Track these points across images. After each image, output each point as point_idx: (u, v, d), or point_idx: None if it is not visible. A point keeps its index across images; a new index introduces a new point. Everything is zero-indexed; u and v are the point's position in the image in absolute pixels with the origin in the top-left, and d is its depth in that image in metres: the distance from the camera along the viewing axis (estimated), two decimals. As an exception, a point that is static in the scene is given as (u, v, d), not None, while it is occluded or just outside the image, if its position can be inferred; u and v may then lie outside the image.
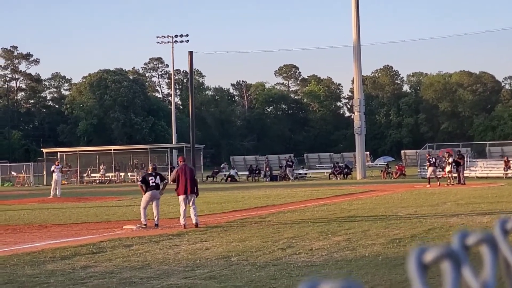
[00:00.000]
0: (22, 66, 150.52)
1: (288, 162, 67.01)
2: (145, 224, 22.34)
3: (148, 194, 22.90)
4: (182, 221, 22.22)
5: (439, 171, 49.75)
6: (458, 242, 1.14)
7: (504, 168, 57.11)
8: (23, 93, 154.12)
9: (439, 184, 45.05)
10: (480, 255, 1.22)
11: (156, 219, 22.64)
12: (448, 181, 47.23)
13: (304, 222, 22.53)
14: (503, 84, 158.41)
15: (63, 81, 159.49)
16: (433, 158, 47.50)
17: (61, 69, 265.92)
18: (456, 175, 48.14)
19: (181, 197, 22.61)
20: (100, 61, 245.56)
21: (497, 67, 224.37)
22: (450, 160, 47.99)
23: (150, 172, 23.83)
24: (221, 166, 79.47)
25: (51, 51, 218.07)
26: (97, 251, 16.69)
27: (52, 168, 45.24)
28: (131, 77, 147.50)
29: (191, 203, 22.60)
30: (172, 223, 23.64)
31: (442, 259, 1.06)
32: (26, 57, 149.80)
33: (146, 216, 22.71)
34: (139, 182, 24.86)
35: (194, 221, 22.22)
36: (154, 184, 22.97)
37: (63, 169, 49.41)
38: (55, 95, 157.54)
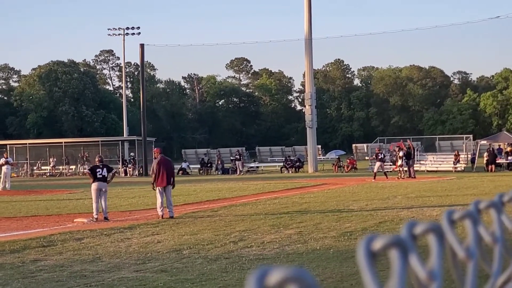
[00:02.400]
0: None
1: (236, 156, 67.11)
2: (96, 218, 22.28)
3: (95, 185, 22.98)
4: (159, 212, 22.69)
5: (390, 165, 50.17)
6: (406, 231, 1.17)
7: (454, 162, 57.80)
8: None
9: (387, 178, 45.36)
10: (428, 248, 1.25)
11: (104, 211, 22.60)
12: (399, 174, 47.66)
13: (256, 215, 22.60)
14: (452, 79, 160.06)
15: (12, 73, 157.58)
16: (382, 154, 47.79)
17: (10, 60, 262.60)
18: (406, 168, 48.63)
19: (158, 189, 22.96)
20: (50, 53, 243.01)
21: (446, 62, 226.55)
22: (401, 154, 48.46)
23: (97, 164, 23.75)
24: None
25: None
26: (48, 245, 16.57)
27: (1, 161, 44.71)
28: (82, 69, 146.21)
29: (168, 196, 22.87)
30: (123, 216, 23.56)
31: (390, 247, 1.08)
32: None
33: (98, 209, 22.63)
34: (87, 170, 25.24)
35: (170, 214, 22.57)
36: (101, 176, 23.01)
37: (12, 162, 48.75)
38: (3, 86, 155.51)
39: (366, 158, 65.05)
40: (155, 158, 24.21)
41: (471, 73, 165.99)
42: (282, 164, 68.77)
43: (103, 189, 22.86)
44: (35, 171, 72.64)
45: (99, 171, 23.11)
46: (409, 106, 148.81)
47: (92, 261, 14.03)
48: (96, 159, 24.54)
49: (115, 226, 20.32)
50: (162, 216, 22.39)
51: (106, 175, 23.12)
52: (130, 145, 76.10)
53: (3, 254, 15.19)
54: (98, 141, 75.39)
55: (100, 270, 13.00)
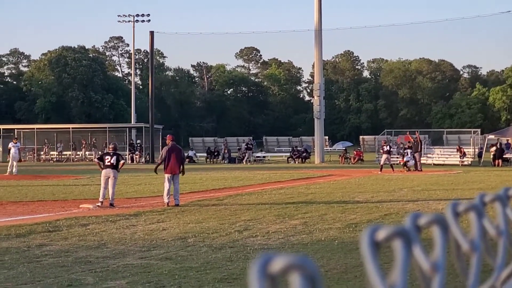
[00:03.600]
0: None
1: (248, 145, 67.01)
2: (101, 202, 22.35)
3: (103, 172, 23.08)
4: (165, 199, 22.71)
5: (397, 158, 50.14)
6: (410, 222, 1.17)
7: (460, 156, 57.69)
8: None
9: (393, 170, 45.31)
10: (432, 241, 1.25)
11: (111, 198, 22.63)
12: (405, 168, 47.64)
13: (262, 205, 22.60)
14: (461, 72, 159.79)
15: (21, 57, 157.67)
16: (388, 146, 47.69)
17: (20, 45, 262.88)
18: (413, 162, 48.59)
19: (166, 176, 22.93)
20: (60, 38, 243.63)
21: (456, 56, 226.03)
22: (409, 151, 48.50)
23: (109, 151, 23.82)
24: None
25: (10, 27, 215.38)
26: (53, 230, 16.60)
27: (10, 145, 44.79)
28: (91, 56, 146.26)
29: (175, 184, 22.92)
30: (129, 203, 23.59)
31: (394, 238, 1.08)
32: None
33: (104, 195, 22.68)
34: (96, 159, 25.22)
35: (175, 202, 22.61)
36: (109, 163, 23.01)
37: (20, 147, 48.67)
38: (13, 71, 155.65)
39: (376, 155, 64.67)
40: (167, 144, 24.11)
41: (481, 67, 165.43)
42: (289, 154, 68.74)
43: (111, 176, 22.87)
44: (42, 156, 72.70)
45: (107, 158, 23.16)
46: (417, 99, 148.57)
47: (97, 247, 14.06)
48: (110, 146, 24.63)
49: (120, 213, 20.35)
50: (168, 203, 22.40)
51: (114, 163, 23.12)
52: (138, 132, 76.09)
53: (9, 238, 15.23)
54: (106, 127, 75.41)
55: (105, 256, 13.03)
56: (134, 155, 68.69)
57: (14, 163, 43.15)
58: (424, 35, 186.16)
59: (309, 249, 13.83)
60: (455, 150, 59.34)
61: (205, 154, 71.03)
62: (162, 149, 25.27)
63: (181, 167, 23.43)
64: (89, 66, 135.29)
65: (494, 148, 57.60)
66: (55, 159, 72.15)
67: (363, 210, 21.09)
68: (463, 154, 57.83)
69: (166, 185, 22.85)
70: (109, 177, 22.87)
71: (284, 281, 0.98)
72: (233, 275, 11.29)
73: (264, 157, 70.98)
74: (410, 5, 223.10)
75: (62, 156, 72.54)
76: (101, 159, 23.52)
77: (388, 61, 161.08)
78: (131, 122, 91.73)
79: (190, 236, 15.57)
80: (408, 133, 54.18)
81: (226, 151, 69.15)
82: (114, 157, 23.27)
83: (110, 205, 22.38)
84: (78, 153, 73.28)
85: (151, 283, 10.72)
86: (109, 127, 75.70)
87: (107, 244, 14.46)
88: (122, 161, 23.80)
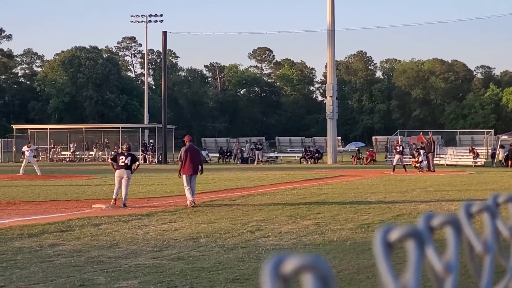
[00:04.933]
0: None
1: (257, 145, 66.98)
2: (114, 200, 22.46)
3: (116, 172, 23.16)
4: (189, 198, 22.53)
5: (410, 158, 50.05)
6: (423, 223, 1.16)
7: (473, 157, 57.52)
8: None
9: (406, 171, 45.19)
10: (444, 242, 1.25)
11: (123, 198, 22.66)
12: (419, 169, 47.56)
13: (274, 206, 22.59)
14: (474, 73, 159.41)
15: (35, 58, 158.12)
16: (401, 146, 47.59)
17: (33, 45, 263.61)
18: (426, 162, 48.48)
19: (185, 177, 22.91)
20: (73, 38, 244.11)
21: (469, 56, 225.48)
22: (421, 152, 48.40)
23: (123, 151, 23.93)
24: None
25: (23, 27, 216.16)
26: (66, 229, 16.64)
27: (23, 149, 44.65)
28: (104, 56, 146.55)
29: (192, 184, 22.97)
30: (141, 203, 23.63)
31: (407, 238, 1.08)
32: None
33: (117, 194, 22.76)
34: (109, 160, 25.30)
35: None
36: (123, 163, 23.06)
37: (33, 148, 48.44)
38: (26, 71, 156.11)
39: (389, 155, 64.49)
40: (185, 145, 24.10)
41: (494, 68, 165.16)
42: (301, 154, 68.69)
43: (125, 176, 22.93)
44: (55, 156, 72.82)
45: (122, 159, 23.23)
46: (430, 99, 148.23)
47: (110, 247, 14.09)
48: (124, 146, 24.76)
49: (133, 213, 20.38)
50: (194, 201, 22.36)
51: (129, 163, 23.17)
52: (150, 132, 76.16)
53: (21, 238, 15.28)
54: (119, 128, 75.49)
55: (117, 256, 13.04)
56: (146, 155, 68.76)
57: (35, 165, 42.94)
58: (437, 36, 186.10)
59: (321, 249, 13.82)
60: (468, 151, 59.16)
61: (218, 155, 71.10)
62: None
63: (200, 167, 23.44)
64: (105, 66, 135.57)
65: (499, 150, 57.80)
66: (68, 159, 72.28)
67: (375, 210, 21.05)
68: (476, 155, 57.66)
69: (186, 185, 22.83)
70: (123, 177, 22.93)
71: (297, 282, 0.97)
72: (245, 275, 11.28)
73: (276, 157, 70.97)
74: (423, 5, 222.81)
75: (75, 156, 72.67)
76: (115, 159, 23.57)
77: (401, 62, 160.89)
78: (143, 123, 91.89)
79: (202, 236, 15.57)
80: (421, 133, 54.05)
81: (238, 151, 69.16)
82: (129, 158, 23.30)
83: (123, 205, 22.42)
84: (91, 153, 73.42)
85: (163, 283, 10.73)
86: (122, 127, 75.79)
87: (119, 244, 14.48)
88: (137, 163, 23.84)
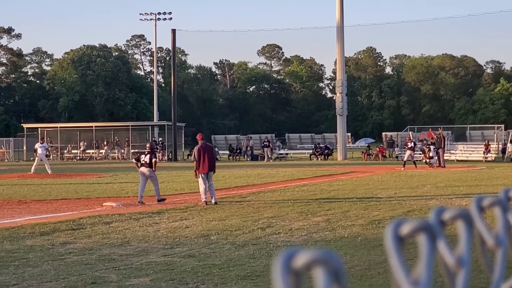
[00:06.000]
0: (4, 41, 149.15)
1: (264, 142, 66.87)
2: (141, 202, 22.74)
3: (139, 171, 23.65)
4: (203, 198, 22.51)
5: (420, 154, 49.94)
6: (435, 217, 1.16)
7: (484, 152, 57.36)
8: (3, 67, 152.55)
9: (416, 166, 45.03)
10: (456, 237, 1.24)
11: (156, 194, 23.39)
12: (429, 165, 47.43)
13: (284, 202, 22.59)
14: (484, 68, 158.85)
15: (44, 56, 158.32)
16: (412, 142, 47.50)
17: (43, 44, 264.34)
18: (436, 158, 48.36)
19: (201, 175, 22.93)
20: (82, 37, 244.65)
21: (479, 51, 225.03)
22: (432, 148, 48.27)
23: (145, 150, 24.37)
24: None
25: (33, 26, 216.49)
26: (77, 228, 16.68)
27: (36, 145, 44.60)
28: (114, 54, 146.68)
29: (209, 181, 22.98)
30: (152, 201, 23.66)
31: (418, 232, 1.08)
32: (8, 31, 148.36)
33: (141, 194, 23.11)
34: (134, 160, 25.97)
35: (213, 201, 22.53)
36: (143, 162, 23.57)
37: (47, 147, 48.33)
38: (36, 70, 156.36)
39: (399, 152, 64.30)
40: (197, 143, 24.11)
41: (504, 63, 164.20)
42: (311, 151, 68.60)
43: (147, 174, 23.23)
44: (65, 155, 72.89)
45: (142, 157, 23.86)
46: (440, 95, 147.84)
47: (121, 245, 14.11)
48: (147, 145, 25.13)
49: (143, 211, 20.42)
50: (206, 202, 22.21)
51: (148, 161, 23.43)
52: (160, 130, 76.14)
53: (33, 236, 15.32)
54: (128, 126, 75.54)
55: (129, 254, 13.07)
56: (157, 153, 68.63)
57: (46, 164, 42.93)
58: (446, 31, 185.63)
59: (332, 245, 13.82)
60: (482, 145, 58.88)
61: (228, 152, 71.07)
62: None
63: (213, 165, 23.42)
64: (114, 64, 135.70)
65: (509, 145, 57.76)
66: (78, 158, 72.34)
67: (386, 206, 21.03)
68: (488, 150, 57.51)
69: (202, 184, 22.75)
70: (146, 176, 23.27)
71: (308, 276, 0.97)
72: (256, 272, 11.29)
73: (286, 154, 70.88)
74: (432, 0, 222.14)
75: (85, 155, 72.73)
76: (138, 159, 24.33)
77: (410, 57, 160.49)
78: (153, 120, 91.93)
79: (213, 233, 15.59)
80: (431, 129, 53.93)
81: (248, 148, 69.12)
82: (148, 156, 23.58)
83: (158, 201, 22.94)
84: (101, 151, 73.45)
85: (174, 280, 10.75)
86: (131, 126, 75.82)
87: (131, 242, 14.50)
88: (154, 160, 23.95)
